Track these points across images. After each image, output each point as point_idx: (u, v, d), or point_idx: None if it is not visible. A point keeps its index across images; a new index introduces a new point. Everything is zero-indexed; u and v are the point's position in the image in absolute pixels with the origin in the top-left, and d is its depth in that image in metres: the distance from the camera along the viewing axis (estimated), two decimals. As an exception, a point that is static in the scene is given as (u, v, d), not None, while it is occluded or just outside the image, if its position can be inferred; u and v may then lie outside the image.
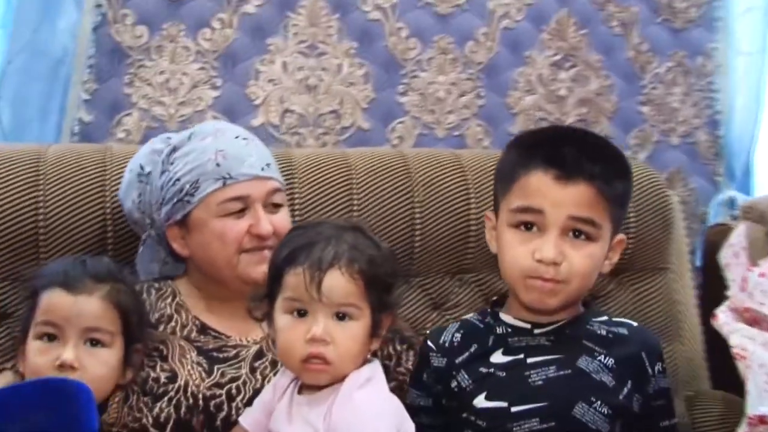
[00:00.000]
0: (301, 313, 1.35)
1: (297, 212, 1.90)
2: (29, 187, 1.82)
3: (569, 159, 1.44)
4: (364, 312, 1.36)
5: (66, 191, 1.83)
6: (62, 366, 1.45)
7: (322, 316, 1.34)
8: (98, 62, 2.32)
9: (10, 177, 1.82)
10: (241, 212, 1.63)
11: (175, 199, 1.65)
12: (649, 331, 1.62)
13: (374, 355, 1.45)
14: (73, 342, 1.47)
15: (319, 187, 1.95)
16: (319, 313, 1.34)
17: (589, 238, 1.45)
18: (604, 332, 1.50)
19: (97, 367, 1.48)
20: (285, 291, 1.36)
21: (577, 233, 1.44)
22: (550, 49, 2.64)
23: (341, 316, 1.35)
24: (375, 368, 1.40)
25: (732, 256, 2.01)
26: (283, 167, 1.94)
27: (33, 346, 1.49)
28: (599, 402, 1.43)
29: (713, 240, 2.33)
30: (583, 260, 1.44)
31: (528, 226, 1.45)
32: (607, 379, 1.45)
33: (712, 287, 2.16)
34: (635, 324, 1.55)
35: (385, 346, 1.64)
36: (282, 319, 1.37)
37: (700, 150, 2.84)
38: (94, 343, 1.49)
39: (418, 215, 1.97)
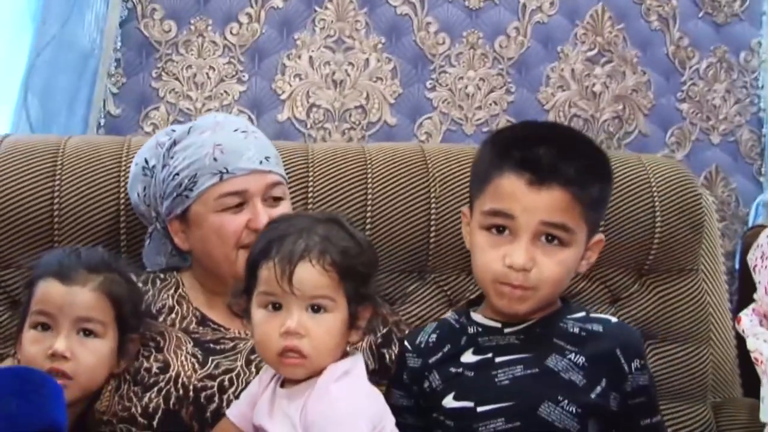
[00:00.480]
0: (276, 307, 1.34)
1: (311, 205, 1.89)
2: (46, 177, 1.84)
3: (544, 162, 1.40)
4: (339, 304, 1.34)
5: (82, 182, 1.85)
6: (54, 355, 1.47)
7: (296, 310, 1.32)
8: (126, 56, 2.35)
9: (29, 168, 1.85)
10: (239, 207, 1.63)
11: (174, 194, 1.65)
12: (627, 328, 1.57)
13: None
14: (66, 332, 1.49)
15: (334, 181, 1.94)
16: (293, 306, 1.32)
17: (563, 243, 1.41)
18: (577, 330, 1.46)
19: (89, 356, 1.49)
20: (260, 285, 1.35)
21: (549, 238, 1.41)
22: (585, 44, 2.59)
23: (316, 309, 1.33)
24: (355, 361, 1.38)
25: (759, 258, 1.94)
26: (299, 160, 1.94)
27: (27, 335, 1.51)
28: (566, 401, 1.40)
29: (750, 242, 2.26)
30: (555, 267, 1.41)
31: (500, 229, 1.42)
32: (577, 378, 1.41)
33: (748, 290, 2.09)
34: (613, 320, 1.51)
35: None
36: (258, 314, 1.36)
37: (743, 149, 2.75)
38: (87, 333, 1.50)
39: (434, 211, 1.95)
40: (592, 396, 1.41)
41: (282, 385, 1.38)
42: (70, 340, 1.48)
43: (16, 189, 1.82)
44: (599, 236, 1.48)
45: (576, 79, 2.59)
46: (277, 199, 1.67)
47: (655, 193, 2.03)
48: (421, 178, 1.97)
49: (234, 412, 1.44)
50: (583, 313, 1.50)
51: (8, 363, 1.62)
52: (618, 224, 2.00)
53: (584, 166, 1.42)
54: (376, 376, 1.59)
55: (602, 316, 1.52)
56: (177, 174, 1.64)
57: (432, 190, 1.96)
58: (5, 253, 1.81)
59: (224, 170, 1.62)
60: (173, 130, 1.74)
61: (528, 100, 2.56)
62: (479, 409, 1.41)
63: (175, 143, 1.68)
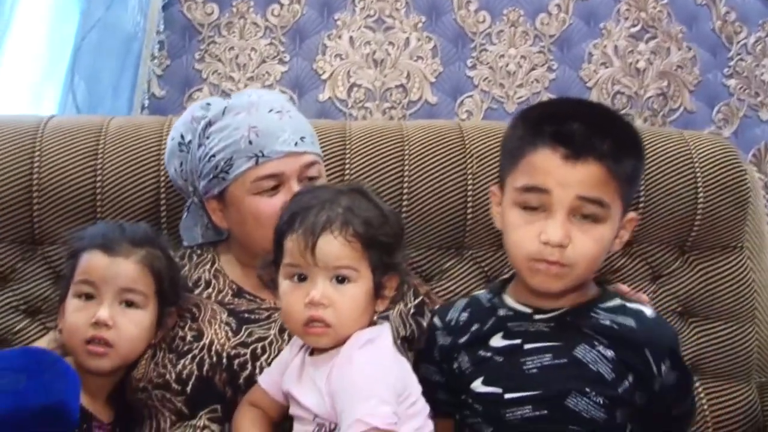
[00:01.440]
0: (301, 278, 1.36)
1: (348, 182, 1.90)
2: (89, 156, 1.88)
3: (578, 136, 1.38)
4: (363, 274, 1.36)
5: (124, 161, 1.89)
6: (97, 323, 1.51)
7: (320, 280, 1.34)
8: (170, 39, 2.39)
9: (73, 147, 1.89)
10: (275, 189, 1.64)
11: (211, 175, 1.67)
12: (661, 326, 1.49)
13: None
14: (109, 302, 1.53)
15: (372, 158, 1.95)
16: (318, 277, 1.34)
17: (598, 220, 1.39)
18: (608, 322, 1.43)
19: (130, 326, 1.53)
20: (285, 257, 1.37)
21: (585, 215, 1.38)
22: (628, 20, 2.56)
23: (340, 279, 1.35)
24: (381, 330, 1.39)
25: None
26: (336, 138, 1.96)
27: (71, 304, 1.55)
28: (594, 393, 1.39)
29: (798, 220, 2.22)
30: (591, 244, 1.38)
31: (533, 206, 1.40)
32: (605, 370, 1.40)
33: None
34: (648, 314, 1.46)
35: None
36: (283, 284, 1.38)
37: (794, 125, 2.70)
38: (129, 304, 1.54)
39: (471, 187, 1.94)
40: (620, 390, 1.40)
41: (311, 354, 1.40)
42: (112, 310, 1.52)
43: (60, 167, 1.87)
44: (632, 214, 1.46)
45: (619, 56, 2.56)
46: (313, 179, 1.68)
47: (698, 169, 2.01)
48: (458, 155, 1.97)
49: (265, 379, 1.47)
50: (618, 302, 1.47)
51: (50, 337, 1.67)
52: (660, 200, 1.98)
53: (618, 141, 1.40)
54: (410, 342, 1.61)
55: (638, 307, 1.47)
56: (213, 156, 1.66)
57: (469, 166, 1.96)
58: (50, 230, 1.86)
59: (260, 153, 1.63)
60: (208, 104, 1.74)
61: (570, 78, 2.54)
62: (507, 396, 1.41)
63: (210, 123, 1.69)
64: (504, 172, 1.47)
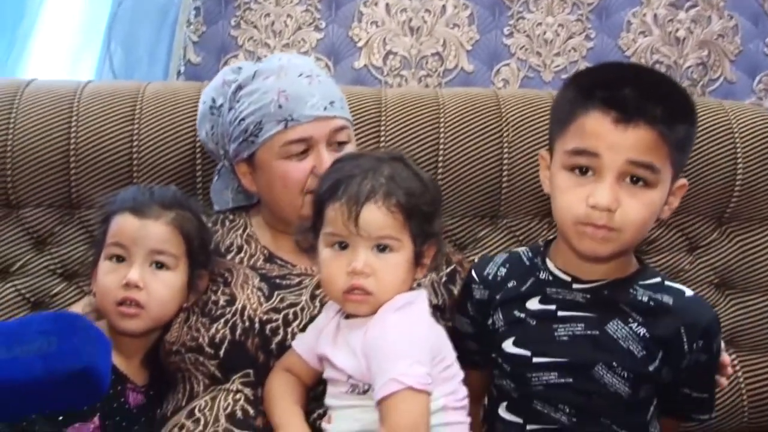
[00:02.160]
0: (342, 246, 1.36)
1: (383, 149, 1.89)
2: (126, 121, 1.90)
3: (630, 100, 1.36)
4: (405, 243, 1.36)
5: (160, 126, 1.90)
6: (128, 285, 1.52)
7: (362, 249, 1.35)
8: (206, 5, 2.38)
9: (110, 112, 1.91)
10: (304, 153, 1.64)
11: (240, 139, 1.67)
12: (700, 305, 1.48)
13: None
14: (139, 263, 1.54)
15: (407, 126, 1.94)
16: (360, 245, 1.35)
17: (648, 185, 1.37)
18: (645, 299, 1.42)
19: (161, 288, 1.55)
20: (326, 225, 1.37)
21: (634, 179, 1.36)
22: (668, -12, 2.52)
23: (381, 248, 1.35)
24: (418, 295, 1.40)
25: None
26: (372, 106, 1.95)
27: (103, 266, 1.57)
28: (621, 368, 1.39)
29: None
30: (640, 208, 1.36)
31: (583, 170, 1.38)
32: (636, 348, 1.40)
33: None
34: (688, 294, 1.45)
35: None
36: (324, 252, 1.39)
37: (838, 96, 2.64)
38: (159, 265, 1.56)
39: (506, 156, 1.93)
40: (650, 369, 1.40)
41: (346, 317, 1.41)
42: (143, 271, 1.54)
43: (97, 132, 1.88)
44: (682, 181, 1.44)
45: (659, 25, 2.52)
46: (342, 144, 1.68)
47: (737, 140, 1.98)
48: (494, 123, 1.96)
49: (300, 344, 1.48)
50: (658, 279, 1.46)
51: (86, 301, 1.69)
52: (698, 171, 1.96)
53: (670, 106, 1.38)
54: (440, 312, 1.60)
55: (677, 286, 1.46)
56: (243, 119, 1.66)
57: (505, 135, 1.94)
58: (87, 194, 1.88)
59: (289, 117, 1.63)
60: (239, 68, 1.75)
61: (608, 47, 2.50)
62: (535, 359, 1.42)
63: (240, 87, 1.69)
64: (553, 136, 1.45)
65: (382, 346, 1.32)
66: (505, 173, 1.92)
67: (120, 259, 1.56)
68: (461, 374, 1.40)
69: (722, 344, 1.49)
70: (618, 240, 1.37)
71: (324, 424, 1.39)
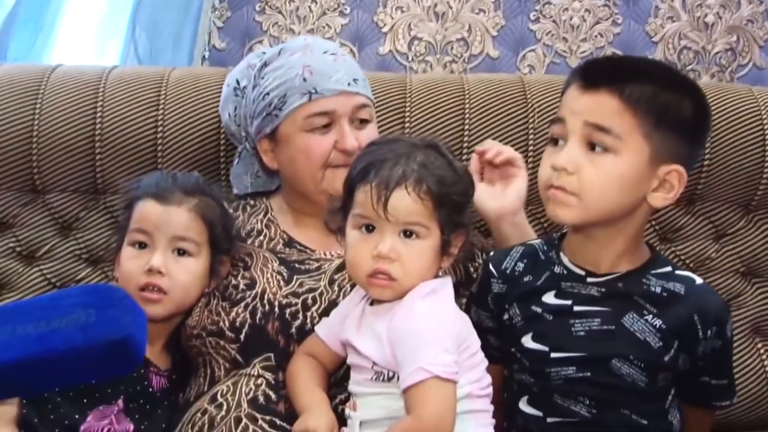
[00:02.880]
0: (369, 229, 1.36)
1: (408, 135, 1.89)
2: (151, 106, 1.90)
3: (599, 70, 1.39)
4: (432, 231, 1.35)
5: (184, 111, 1.90)
6: (151, 270, 1.53)
7: (389, 234, 1.34)
8: (230, -10, 2.38)
9: (135, 97, 1.91)
10: (327, 127, 1.65)
11: (264, 113, 1.68)
12: (710, 293, 1.47)
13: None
14: (162, 249, 1.55)
15: (432, 111, 1.94)
16: (387, 230, 1.34)
17: (608, 150, 1.36)
18: (658, 290, 1.42)
19: (183, 274, 1.55)
20: (355, 207, 1.37)
21: (594, 144, 1.37)
22: (697, -28, 2.48)
23: (408, 234, 1.35)
24: (444, 283, 1.39)
25: None
26: (397, 91, 1.95)
27: (126, 252, 1.58)
28: (638, 359, 1.39)
29: None
30: (596, 172, 1.36)
31: (556, 141, 1.41)
32: (653, 340, 1.39)
33: None
34: (698, 281, 1.44)
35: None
36: (351, 234, 1.38)
37: None
38: (181, 252, 1.56)
39: (532, 141, 1.92)
40: (666, 359, 1.40)
41: (371, 304, 1.41)
42: (165, 257, 1.55)
43: (122, 118, 1.89)
44: (677, 167, 1.38)
45: (687, 10, 2.48)
46: (364, 122, 1.69)
47: (766, 126, 1.96)
48: (520, 109, 1.95)
49: (323, 329, 1.48)
50: (668, 268, 1.45)
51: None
52: (726, 158, 1.94)
53: (652, 78, 1.37)
54: (461, 287, 1.62)
55: (687, 274, 1.46)
56: (267, 94, 1.67)
57: (530, 120, 1.93)
58: (112, 180, 1.89)
59: (313, 90, 1.64)
60: (263, 53, 1.77)
61: (635, 32, 2.48)
62: (553, 354, 1.42)
63: (266, 64, 1.71)
64: None
65: (409, 334, 1.31)
66: (530, 159, 1.90)
67: (143, 245, 1.56)
68: (485, 362, 1.40)
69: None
70: (579, 206, 1.38)
71: (348, 410, 1.39)
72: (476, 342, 1.38)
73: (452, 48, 2.43)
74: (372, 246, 1.34)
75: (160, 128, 1.88)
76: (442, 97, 1.95)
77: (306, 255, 1.66)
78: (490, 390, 1.40)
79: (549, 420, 1.43)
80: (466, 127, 1.92)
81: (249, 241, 1.68)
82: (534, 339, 1.44)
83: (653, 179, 1.39)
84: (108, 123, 1.88)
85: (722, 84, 2.32)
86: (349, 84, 1.67)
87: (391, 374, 1.34)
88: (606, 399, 1.40)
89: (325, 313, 1.52)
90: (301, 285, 1.58)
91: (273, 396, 1.48)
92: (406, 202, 1.33)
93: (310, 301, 1.56)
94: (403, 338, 1.31)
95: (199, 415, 1.48)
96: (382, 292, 1.36)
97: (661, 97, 1.37)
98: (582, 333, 1.41)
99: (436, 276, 1.39)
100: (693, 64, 2.47)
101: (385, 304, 1.37)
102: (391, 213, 1.33)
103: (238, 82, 1.76)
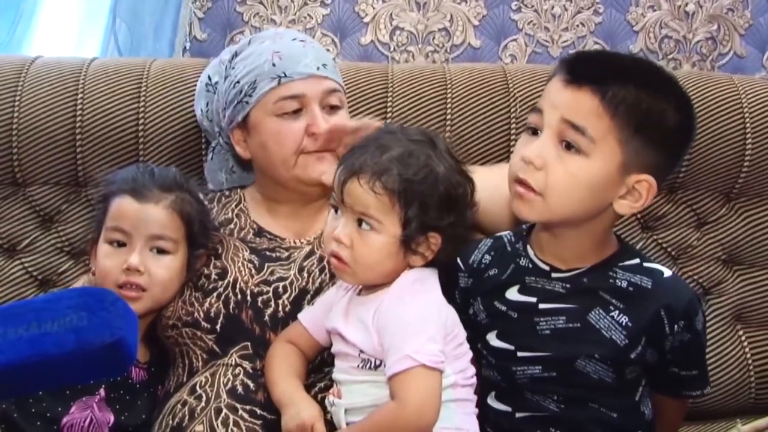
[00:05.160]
0: (336, 211, 1.39)
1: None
2: (132, 98, 1.89)
3: (584, 63, 1.36)
4: (388, 226, 1.35)
5: (166, 103, 1.89)
6: (129, 269, 1.53)
7: (346, 219, 1.37)
8: (210, -20, 2.36)
9: (115, 89, 1.90)
10: (297, 113, 1.66)
11: (235, 101, 1.68)
12: (679, 286, 1.44)
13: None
14: (139, 248, 1.55)
15: (414, 101, 1.93)
16: (346, 216, 1.37)
17: (579, 151, 1.32)
18: (624, 284, 1.39)
19: (161, 271, 1.56)
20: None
21: (567, 142, 1.33)
22: (677, -40, 2.49)
23: (363, 224, 1.36)
24: (427, 274, 1.40)
25: None
26: (378, 81, 1.95)
27: (103, 249, 1.58)
28: (604, 357, 1.38)
29: None
30: (563, 173, 1.33)
31: (533, 130, 1.38)
32: (619, 337, 1.38)
33: None
34: (666, 274, 1.41)
35: None
36: (329, 216, 1.42)
37: None
38: (159, 250, 1.57)
39: (514, 131, 1.93)
40: (632, 356, 1.39)
41: (359, 293, 1.42)
42: (143, 256, 1.55)
43: (103, 109, 1.88)
44: (649, 178, 1.34)
45: (668, -1, 2.49)
46: (335, 108, 1.69)
47: (747, 115, 1.97)
48: (502, 99, 1.95)
49: (307, 317, 1.49)
50: (636, 260, 1.42)
51: (85, 279, 1.71)
52: (707, 146, 1.95)
53: (636, 81, 1.33)
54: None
55: (656, 267, 1.43)
56: (238, 82, 1.68)
57: (512, 110, 1.94)
58: (94, 172, 1.87)
59: (282, 74, 1.65)
60: (234, 46, 1.79)
61: (617, 21, 2.48)
62: (519, 354, 1.41)
63: (236, 55, 1.72)
64: None
65: (396, 322, 1.32)
66: (513, 149, 1.90)
67: (120, 243, 1.56)
68: (470, 353, 1.40)
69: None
70: (542, 206, 1.35)
71: (332, 398, 1.39)
72: (462, 333, 1.39)
73: (434, 38, 2.43)
74: (334, 228, 1.37)
75: (141, 119, 1.87)
76: (424, 87, 1.95)
77: (276, 243, 1.67)
78: (474, 380, 1.40)
79: (518, 415, 1.42)
80: (449, 117, 1.92)
81: (220, 231, 1.68)
82: (498, 337, 1.43)
83: (621, 186, 1.35)
84: (89, 115, 1.87)
85: (703, 73, 2.32)
86: (318, 68, 1.67)
87: (378, 362, 1.34)
88: (574, 395, 1.40)
89: (297, 301, 1.54)
90: (272, 273, 1.60)
91: (252, 385, 1.49)
92: (359, 192, 1.35)
93: (281, 289, 1.57)
94: (390, 326, 1.32)
95: (179, 406, 1.49)
96: (341, 274, 1.39)
97: (645, 104, 1.33)
98: (547, 332, 1.40)
99: (400, 270, 1.38)
100: (674, 53, 2.48)
101: (372, 294, 1.38)
102: (346, 200, 1.35)
103: (210, 78, 1.77)
